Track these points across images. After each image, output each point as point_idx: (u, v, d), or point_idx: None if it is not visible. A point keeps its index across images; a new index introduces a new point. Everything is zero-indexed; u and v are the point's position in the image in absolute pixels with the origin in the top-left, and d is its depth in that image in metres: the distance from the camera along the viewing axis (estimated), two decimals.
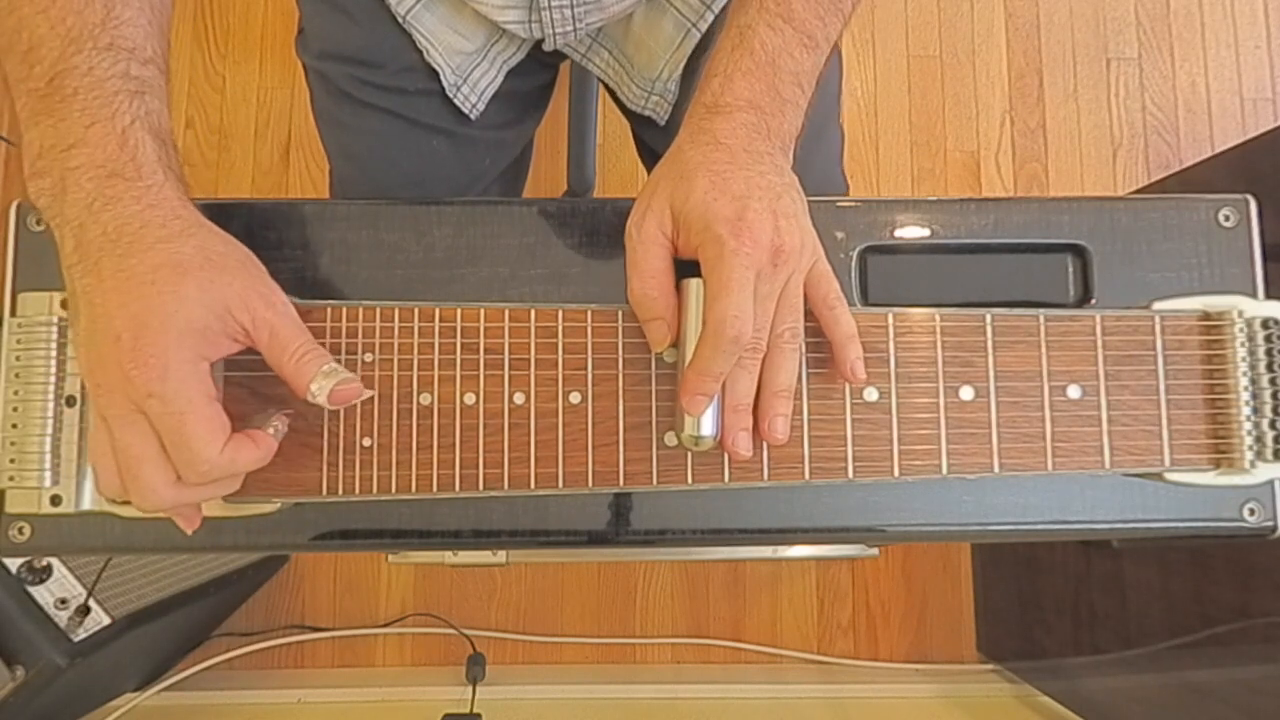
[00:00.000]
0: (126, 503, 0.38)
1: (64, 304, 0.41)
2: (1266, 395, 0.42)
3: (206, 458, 0.34)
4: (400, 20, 0.58)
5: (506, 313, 0.41)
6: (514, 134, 0.68)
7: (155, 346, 0.33)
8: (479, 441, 0.41)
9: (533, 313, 0.41)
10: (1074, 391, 0.42)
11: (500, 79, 0.62)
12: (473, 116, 0.62)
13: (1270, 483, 0.43)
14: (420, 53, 0.59)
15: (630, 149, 0.70)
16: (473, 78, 0.61)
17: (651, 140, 0.66)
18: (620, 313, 0.42)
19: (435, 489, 0.41)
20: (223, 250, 0.37)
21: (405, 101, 0.61)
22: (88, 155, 0.35)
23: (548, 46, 0.59)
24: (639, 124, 0.66)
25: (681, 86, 0.61)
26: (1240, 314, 0.42)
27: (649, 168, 0.71)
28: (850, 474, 0.41)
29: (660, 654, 1.22)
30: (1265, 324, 0.42)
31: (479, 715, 0.99)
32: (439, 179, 0.64)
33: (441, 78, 0.60)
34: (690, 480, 0.41)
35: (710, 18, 0.58)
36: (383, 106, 0.61)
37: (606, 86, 0.66)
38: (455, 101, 0.61)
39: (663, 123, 0.64)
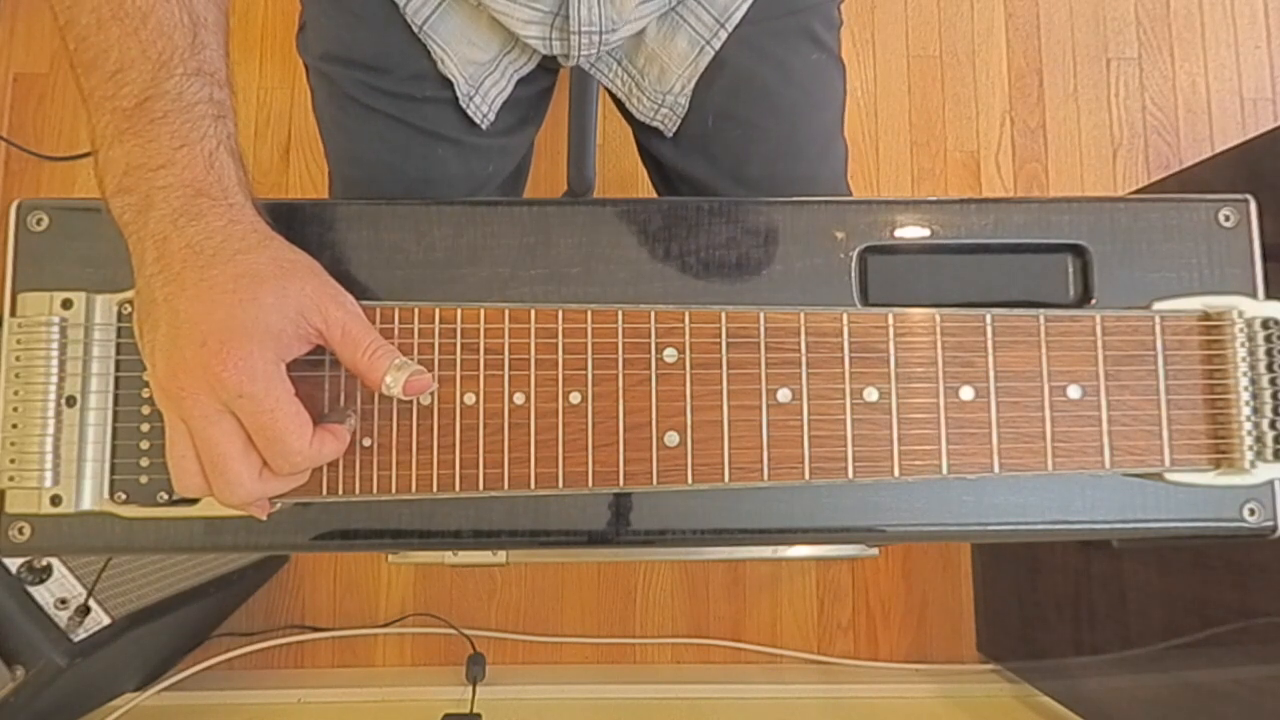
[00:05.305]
0: (181, 500, 0.41)
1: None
2: (1266, 395, 0.42)
3: (298, 449, 0.36)
4: (415, 30, 0.57)
5: (506, 313, 0.41)
6: (518, 140, 0.67)
7: (242, 350, 0.35)
8: (479, 441, 0.41)
9: (533, 313, 0.41)
10: (1074, 391, 0.42)
11: (510, 88, 0.62)
12: (484, 126, 0.62)
13: (1270, 483, 0.43)
14: (433, 61, 0.58)
15: (631, 150, 0.70)
16: (484, 87, 0.60)
17: (656, 149, 0.66)
18: (620, 313, 0.42)
19: (435, 489, 0.41)
20: (293, 259, 0.39)
21: (414, 108, 0.60)
22: (176, 176, 0.37)
23: (567, 63, 0.59)
24: (643, 132, 0.66)
25: (692, 100, 0.61)
26: (1240, 314, 0.42)
27: (651, 174, 0.71)
28: (850, 474, 0.41)
29: (660, 654, 1.22)
30: (1265, 324, 0.42)
31: (479, 715, 0.99)
32: (444, 186, 0.63)
33: (455, 88, 0.59)
34: (690, 480, 0.41)
35: (724, 35, 0.58)
36: (390, 113, 0.60)
37: (612, 95, 0.66)
38: (468, 112, 0.60)
39: (670, 134, 0.63)
